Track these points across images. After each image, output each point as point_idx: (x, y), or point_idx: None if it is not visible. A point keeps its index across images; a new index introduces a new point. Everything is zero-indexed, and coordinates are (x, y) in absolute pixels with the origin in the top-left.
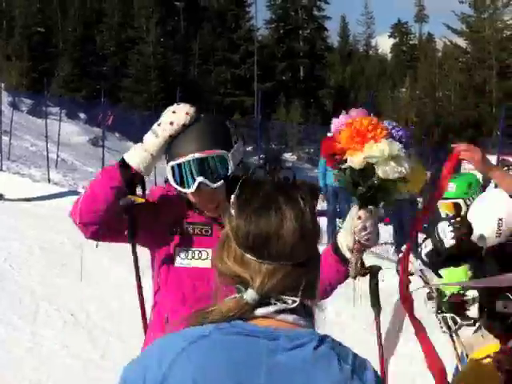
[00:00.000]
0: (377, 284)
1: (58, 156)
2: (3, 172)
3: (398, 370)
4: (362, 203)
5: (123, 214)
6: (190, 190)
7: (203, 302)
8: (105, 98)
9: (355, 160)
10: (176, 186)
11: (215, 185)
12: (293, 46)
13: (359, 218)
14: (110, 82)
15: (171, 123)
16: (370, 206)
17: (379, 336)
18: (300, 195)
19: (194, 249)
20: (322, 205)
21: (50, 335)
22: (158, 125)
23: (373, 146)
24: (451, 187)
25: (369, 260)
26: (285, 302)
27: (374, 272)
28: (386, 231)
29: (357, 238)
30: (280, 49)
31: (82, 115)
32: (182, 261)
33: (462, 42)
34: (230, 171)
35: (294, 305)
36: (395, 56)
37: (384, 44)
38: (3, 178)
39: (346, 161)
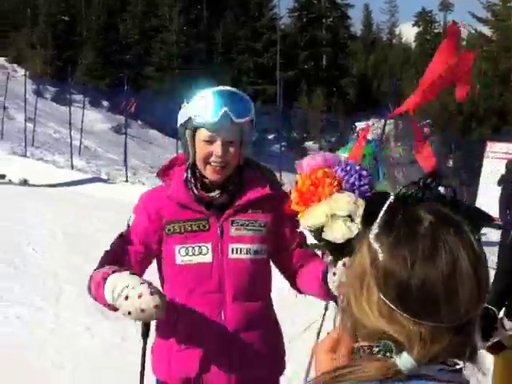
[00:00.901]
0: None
1: (81, 143)
2: (27, 158)
3: None
4: (334, 257)
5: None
6: (214, 119)
7: (207, 297)
8: (128, 86)
9: (302, 225)
10: (199, 115)
11: (238, 120)
12: (316, 34)
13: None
14: (133, 71)
15: (129, 313)
16: (344, 260)
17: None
18: (467, 226)
19: (193, 245)
20: None
21: (72, 317)
22: (119, 295)
23: (310, 215)
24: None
25: None
26: (445, 363)
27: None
28: None
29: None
30: (303, 37)
31: (105, 103)
32: (183, 258)
33: (486, 30)
34: (251, 116)
35: (457, 367)
36: (419, 45)
37: (408, 33)
38: (28, 164)
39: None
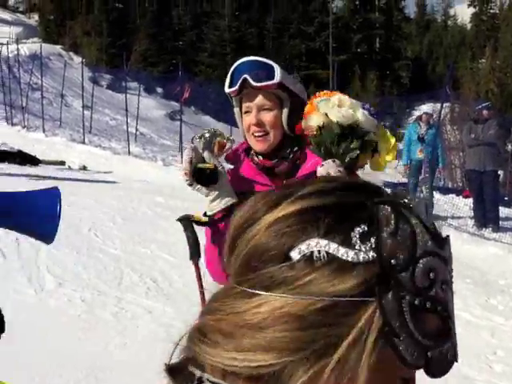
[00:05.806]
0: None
1: (136, 130)
2: (85, 145)
3: None
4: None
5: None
6: (233, 88)
7: None
8: (181, 72)
9: (313, 117)
10: (227, 90)
11: (257, 84)
12: (369, 17)
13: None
14: (187, 57)
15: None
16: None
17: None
18: None
19: None
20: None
21: (133, 301)
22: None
23: (309, 116)
24: None
25: (448, 232)
26: None
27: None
28: (466, 204)
29: None
30: (355, 20)
31: (159, 89)
32: None
33: None
34: (276, 79)
35: None
36: (475, 26)
37: (463, 13)
38: (86, 150)
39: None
